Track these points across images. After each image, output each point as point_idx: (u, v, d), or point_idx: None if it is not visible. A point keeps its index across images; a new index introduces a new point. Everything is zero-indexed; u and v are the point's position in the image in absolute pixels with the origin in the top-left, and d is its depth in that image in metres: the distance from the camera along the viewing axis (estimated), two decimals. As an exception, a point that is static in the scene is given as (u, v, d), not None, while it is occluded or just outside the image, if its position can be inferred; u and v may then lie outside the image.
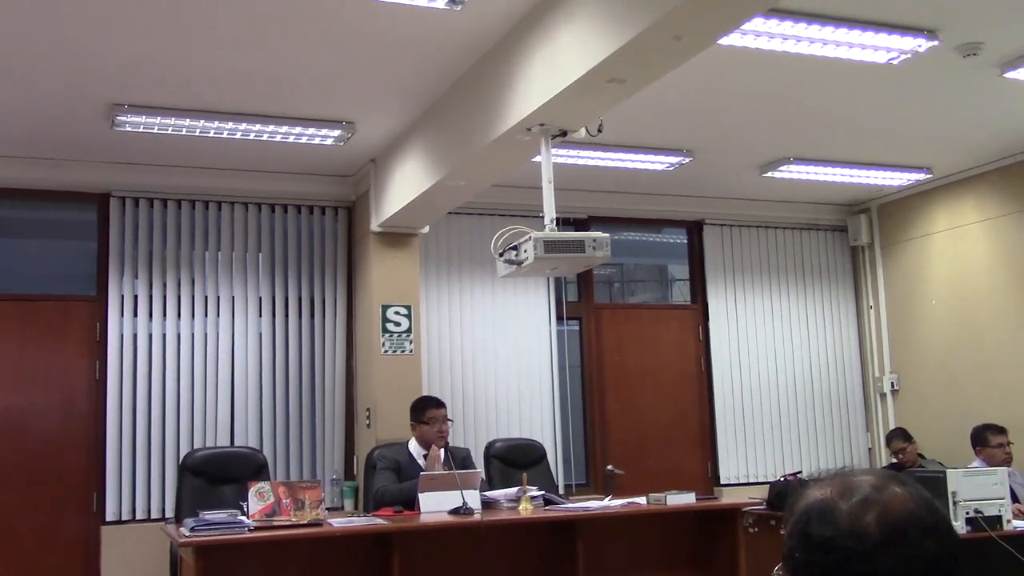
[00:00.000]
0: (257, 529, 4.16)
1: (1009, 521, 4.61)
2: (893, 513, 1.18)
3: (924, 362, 7.70)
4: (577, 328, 7.61)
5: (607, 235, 4.37)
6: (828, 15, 4.40)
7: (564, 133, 4.53)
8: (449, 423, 5.37)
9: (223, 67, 4.83)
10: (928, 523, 1.18)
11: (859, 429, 8.21)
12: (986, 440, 5.81)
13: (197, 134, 5.62)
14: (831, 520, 1.20)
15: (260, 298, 6.66)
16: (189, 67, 4.81)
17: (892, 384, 7.98)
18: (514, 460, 6.09)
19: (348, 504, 6.48)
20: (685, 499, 4.95)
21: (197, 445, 6.23)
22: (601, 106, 4.32)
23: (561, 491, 6.45)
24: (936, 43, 4.65)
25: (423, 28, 4.42)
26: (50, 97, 5.13)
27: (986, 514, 4.51)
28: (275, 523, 4.24)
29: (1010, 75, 5.19)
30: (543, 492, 5.12)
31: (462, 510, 4.58)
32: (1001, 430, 5.85)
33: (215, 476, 5.40)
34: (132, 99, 5.20)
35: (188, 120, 5.43)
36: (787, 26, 4.40)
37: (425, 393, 6.16)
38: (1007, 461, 5.67)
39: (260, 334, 6.63)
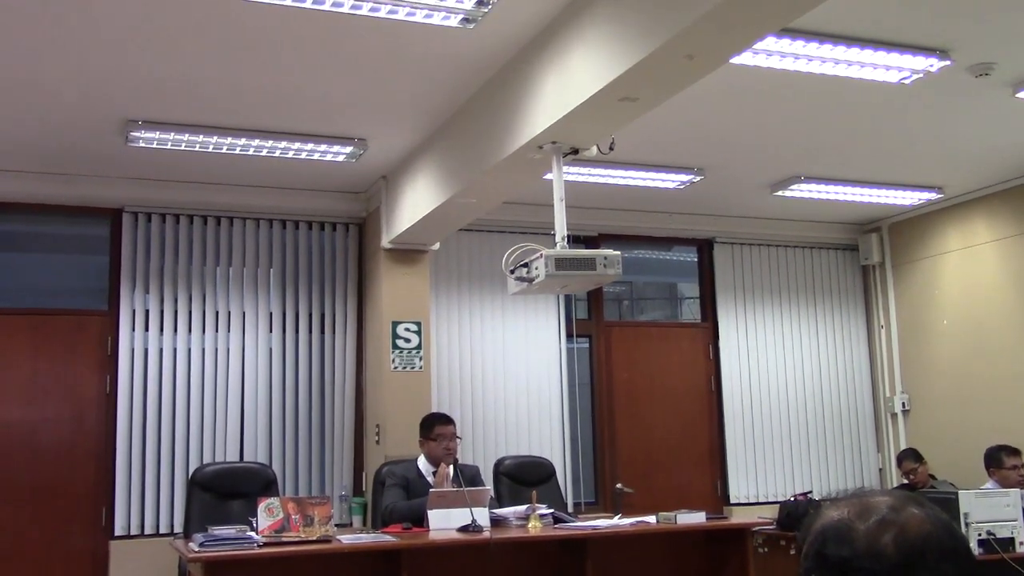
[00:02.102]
0: (266, 545, 4.15)
1: (1022, 543, 4.57)
2: (911, 535, 1.18)
3: (935, 382, 7.66)
4: (587, 346, 7.61)
5: (618, 253, 4.37)
6: (840, 35, 4.40)
7: (576, 151, 4.54)
8: (458, 440, 5.36)
9: (236, 84, 4.86)
10: (947, 546, 1.18)
11: (870, 449, 8.17)
12: (1000, 462, 5.77)
13: (210, 150, 5.65)
14: (848, 541, 1.19)
15: (271, 314, 6.68)
16: (203, 84, 4.84)
17: (903, 404, 7.94)
18: (523, 478, 6.07)
19: (357, 521, 6.43)
20: (695, 518, 4.92)
21: (206, 460, 6.23)
22: (613, 124, 4.33)
23: (570, 509, 6.43)
24: (948, 63, 4.66)
25: (436, 46, 4.44)
26: (65, 113, 5.16)
27: (998, 536, 4.49)
28: (284, 539, 4.23)
29: (1022, 95, 5.19)
30: (552, 510, 5.10)
31: (471, 527, 4.56)
32: (1015, 452, 5.82)
33: (224, 491, 5.39)
34: (146, 115, 5.23)
35: (201, 136, 5.46)
36: (799, 45, 4.41)
37: (435, 410, 6.16)
38: (1021, 483, 5.63)
39: (270, 350, 6.64)
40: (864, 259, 8.24)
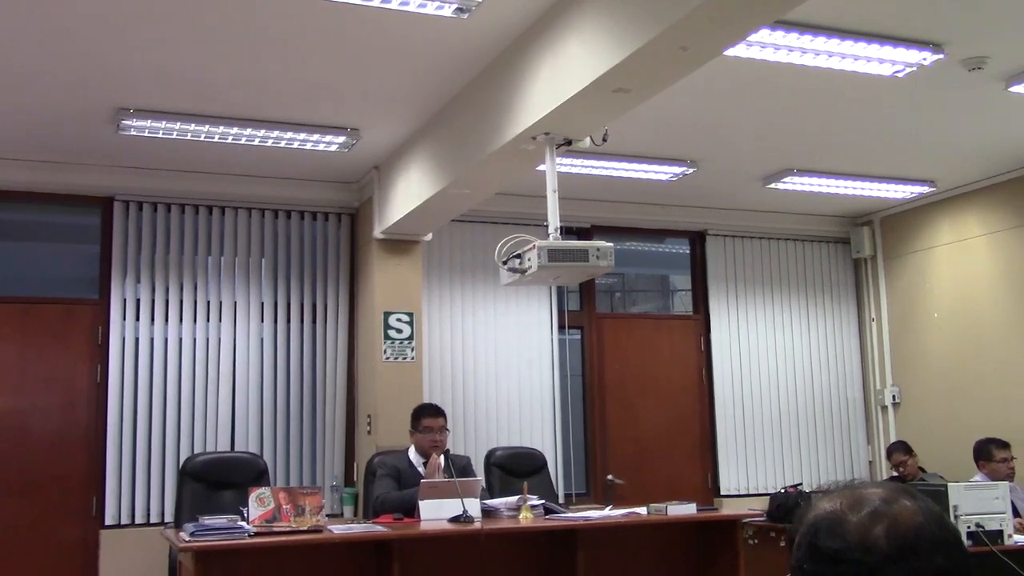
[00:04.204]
0: (257, 535, 4.15)
1: (1010, 536, 4.60)
2: (903, 526, 1.18)
3: (926, 375, 7.69)
4: (578, 337, 7.61)
5: (611, 244, 4.37)
6: (834, 27, 4.41)
7: (569, 142, 4.53)
8: (447, 433, 5.35)
9: (229, 72, 4.84)
10: (938, 537, 1.18)
11: (860, 442, 8.20)
12: (990, 454, 5.79)
13: (202, 139, 5.63)
14: (840, 532, 1.20)
15: (262, 303, 6.66)
16: (194, 72, 4.82)
17: (893, 397, 7.97)
18: (514, 468, 6.09)
19: (348, 511, 6.47)
20: (686, 510, 4.93)
21: (197, 450, 6.22)
22: (606, 116, 4.32)
23: (561, 500, 6.44)
24: (941, 56, 4.66)
25: (430, 36, 4.42)
26: (56, 100, 5.14)
27: (987, 528, 4.51)
28: (275, 529, 4.22)
29: (1015, 89, 5.20)
30: (543, 501, 5.11)
31: (462, 518, 4.57)
32: (1005, 445, 5.84)
33: (215, 481, 5.39)
34: (137, 103, 5.21)
35: (193, 125, 5.44)
36: (793, 38, 4.41)
37: (426, 400, 6.16)
38: (1010, 476, 5.66)
39: (262, 339, 6.63)
40: (856, 252, 8.25)
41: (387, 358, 6.37)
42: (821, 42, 4.46)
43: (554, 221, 4.44)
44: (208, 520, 4.26)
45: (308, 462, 6.66)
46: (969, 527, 4.47)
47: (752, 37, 4.25)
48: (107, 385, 6.22)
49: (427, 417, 5.30)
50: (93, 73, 4.79)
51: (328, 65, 4.78)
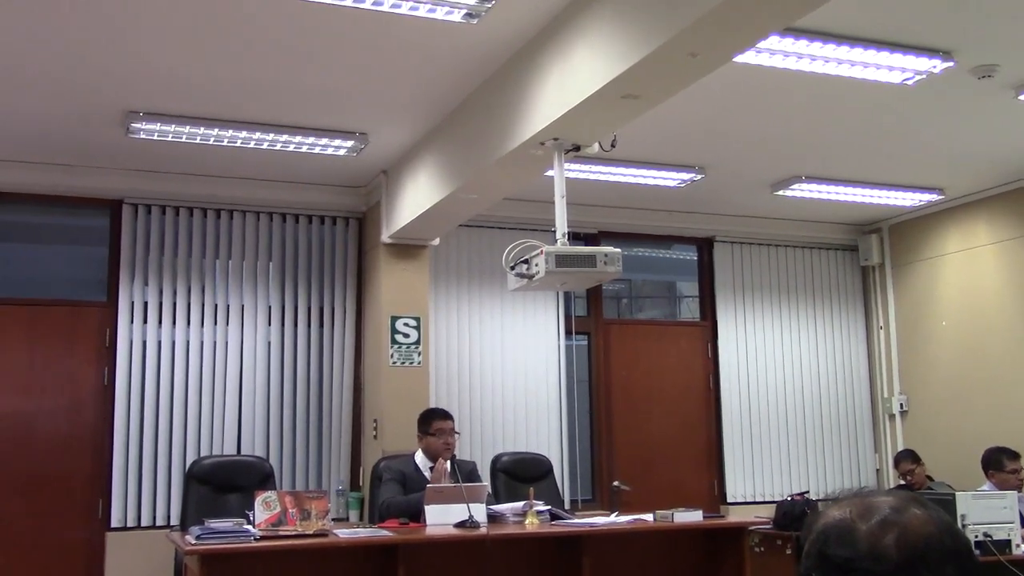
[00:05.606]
0: (263, 538, 4.14)
1: (1018, 545, 4.58)
2: (913, 536, 1.17)
3: (933, 383, 7.66)
4: (585, 343, 7.60)
5: (618, 250, 4.37)
6: (844, 35, 4.40)
7: (577, 148, 4.53)
8: (456, 436, 5.35)
9: (238, 76, 4.85)
10: (948, 547, 1.17)
11: (867, 450, 8.17)
12: (1000, 464, 5.75)
13: (211, 142, 5.64)
14: (850, 541, 1.19)
15: (269, 307, 6.67)
16: (204, 76, 4.83)
17: (901, 405, 7.94)
18: (520, 474, 6.07)
19: (353, 515, 6.47)
20: (692, 517, 4.91)
21: (204, 453, 6.23)
22: (615, 122, 4.32)
23: (567, 506, 6.43)
24: (951, 64, 4.65)
25: (439, 41, 4.43)
26: (66, 103, 5.15)
27: (995, 538, 4.49)
28: (281, 533, 4.22)
29: (1025, 98, 5.19)
30: (549, 507, 5.10)
31: (468, 523, 4.56)
32: (1015, 455, 5.80)
33: (221, 484, 5.38)
34: (147, 106, 5.22)
35: (202, 128, 5.45)
36: (802, 45, 4.40)
37: (432, 405, 6.15)
38: (1018, 486, 5.62)
39: (269, 343, 6.64)
40: (864, 260, 8.24)
41: (394, 362, 6.37)
42: (830, 49, 4.46)
43: (562, 226, 4.44)
44: (214, 523, 4.26)
45: (314, 466, 6.66)
46: (977, 536, 4.45)
47: (761, 44, 4.25)
48: (114, 387, 6.23)
49: (438, 420, 5.29)
50: (103, 76, 4.81)
51: (337, 69, 4.79)
